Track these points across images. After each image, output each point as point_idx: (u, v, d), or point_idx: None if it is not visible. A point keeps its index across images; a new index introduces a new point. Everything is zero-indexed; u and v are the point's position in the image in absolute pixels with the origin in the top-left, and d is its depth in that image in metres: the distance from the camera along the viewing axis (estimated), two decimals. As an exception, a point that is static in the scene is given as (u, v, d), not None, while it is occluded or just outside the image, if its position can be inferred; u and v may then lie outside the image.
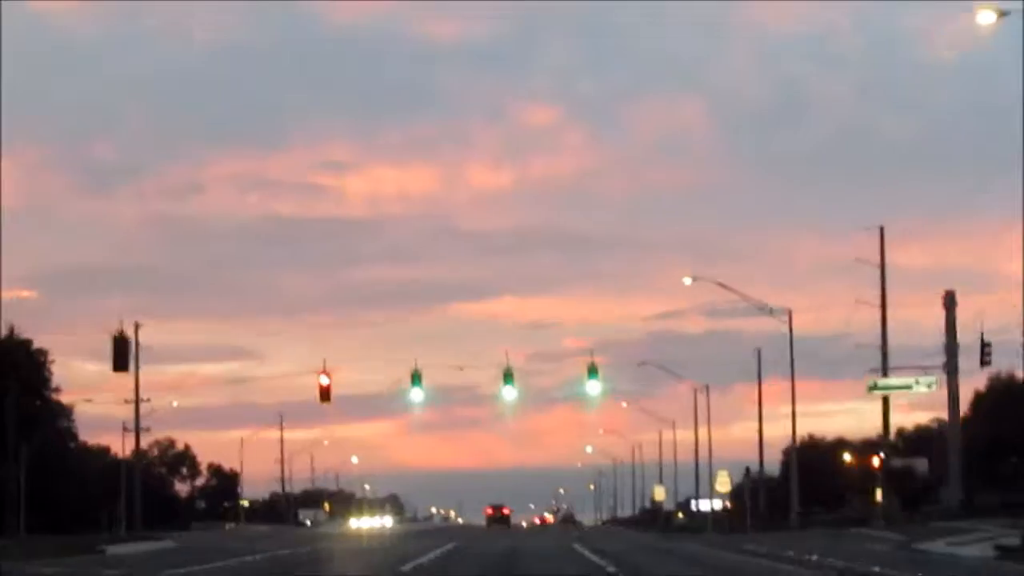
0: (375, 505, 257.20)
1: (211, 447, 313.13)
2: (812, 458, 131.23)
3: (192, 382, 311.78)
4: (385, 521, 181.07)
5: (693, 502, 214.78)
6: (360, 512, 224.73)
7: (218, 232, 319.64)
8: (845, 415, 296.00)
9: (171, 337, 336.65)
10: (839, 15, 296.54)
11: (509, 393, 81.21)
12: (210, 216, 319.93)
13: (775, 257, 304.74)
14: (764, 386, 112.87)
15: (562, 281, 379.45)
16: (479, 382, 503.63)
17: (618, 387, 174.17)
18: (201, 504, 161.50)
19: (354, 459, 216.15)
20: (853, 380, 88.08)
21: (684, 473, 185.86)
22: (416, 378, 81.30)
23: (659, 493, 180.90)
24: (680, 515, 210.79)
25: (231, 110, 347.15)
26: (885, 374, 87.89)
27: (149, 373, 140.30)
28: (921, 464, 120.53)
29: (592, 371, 79.69)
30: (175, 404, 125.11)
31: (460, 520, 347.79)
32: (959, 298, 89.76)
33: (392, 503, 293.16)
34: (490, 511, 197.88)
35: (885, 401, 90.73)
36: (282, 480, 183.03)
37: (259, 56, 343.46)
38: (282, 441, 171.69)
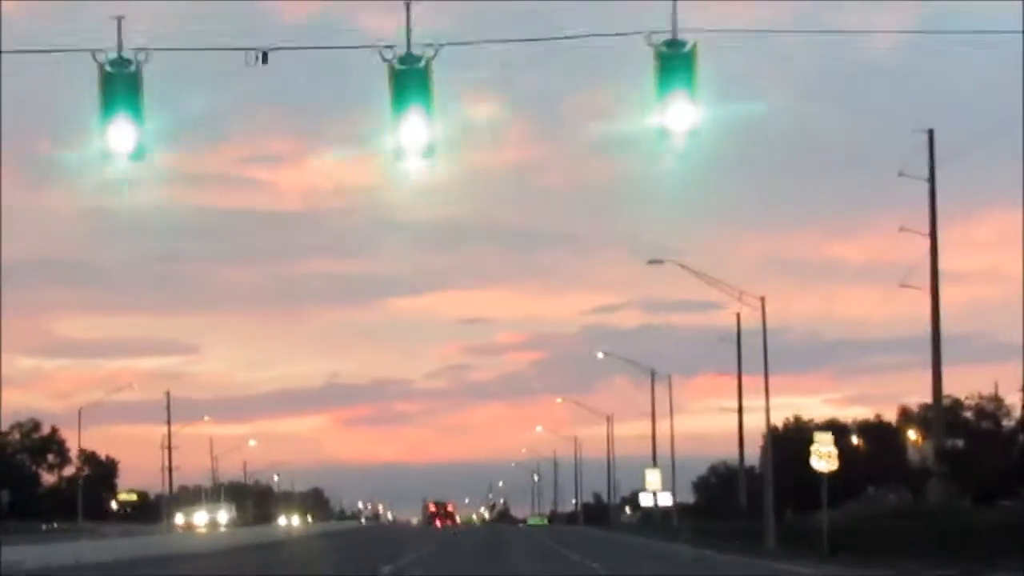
0: (292, 501, 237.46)
1: (140, 442, 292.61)
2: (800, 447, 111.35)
3: (126, 377, 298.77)
4: (219, 516, 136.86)
5: (644, 496, 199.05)
6: (286, 511, 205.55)
7: (152, 225, 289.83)
8: (786, 410, 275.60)
9: (105, 332, 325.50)
10: (781, 14, 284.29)
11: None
12: (144, 210, 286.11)
13: (717, 253, 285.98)
14: (704, 379, 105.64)
15: (500, 275, 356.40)
16: (414, 376, 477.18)
17: (552, 381, 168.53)
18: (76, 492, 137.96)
19: (252, 442, 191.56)
20: (792, 373, 79.01)
21: (632, 467, 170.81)
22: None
23: (652, 478, 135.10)
24: (627, 510, 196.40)
25: (164, 102, 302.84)
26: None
27: (84, 367, 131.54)
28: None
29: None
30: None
31: (390, 516, 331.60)
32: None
33: (315, 499, 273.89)
34: (432, 508, 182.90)
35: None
36: (164, 472, 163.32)
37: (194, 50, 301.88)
38: (169, 429, 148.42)
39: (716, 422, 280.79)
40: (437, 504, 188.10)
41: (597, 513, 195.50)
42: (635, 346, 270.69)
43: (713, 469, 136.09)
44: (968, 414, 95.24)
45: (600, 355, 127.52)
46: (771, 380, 79.66)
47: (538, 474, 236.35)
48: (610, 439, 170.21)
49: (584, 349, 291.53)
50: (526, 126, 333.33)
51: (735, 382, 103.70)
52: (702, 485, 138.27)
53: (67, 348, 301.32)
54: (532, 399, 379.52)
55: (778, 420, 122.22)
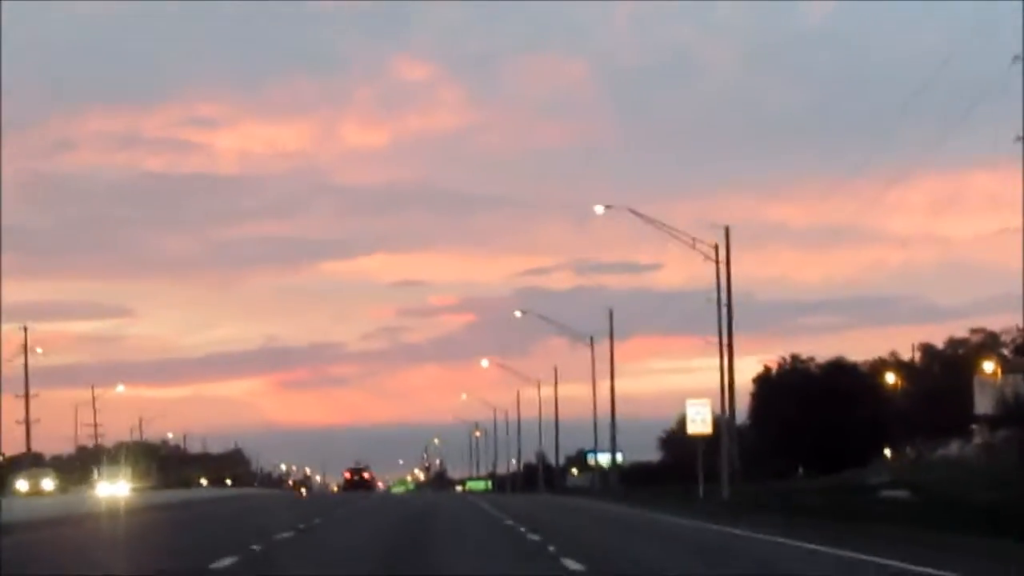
0: (210, 464, 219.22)
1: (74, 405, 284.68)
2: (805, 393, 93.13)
3: (63, 340, 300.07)
4: (43, 484, 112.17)
5: (592, 456, 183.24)
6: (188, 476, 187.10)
7: (90, 190, 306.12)
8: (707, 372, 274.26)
9: (42, 296, 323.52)
10: None
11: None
12: (82, 174, 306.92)
13: (654, 216, 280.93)
14: (638, 342, 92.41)
15: (434, 238, 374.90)
16: (349, 339, 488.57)
17: (486, 344, 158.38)
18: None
19: (120, 388, 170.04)
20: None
21: (571, 429, 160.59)
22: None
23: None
24: (575, 472, 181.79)
25: (103, 67, 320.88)
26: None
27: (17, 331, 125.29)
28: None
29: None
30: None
31: (318, 480, 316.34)
32: None
33: (234, 461, 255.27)
34: (348, 475, 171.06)
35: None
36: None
37: (133, 12, 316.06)
38: (27, 389, 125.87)
39: (655, 383, 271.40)
40: (352, 471, 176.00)
41: (544, 475, 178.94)
42: (568, 308, 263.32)
43: (682, 422, 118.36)
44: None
45: (518, 314, 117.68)
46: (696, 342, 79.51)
47: (480, 431, 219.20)
48: (556, 396, 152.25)
49: (514, 310, 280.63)
50: (462, 89, 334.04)
51: (673, 345, 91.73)
52: (670, 441, 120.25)
53: (4, 313, 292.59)
54: (467, 362, 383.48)
55: (767, 362, 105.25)
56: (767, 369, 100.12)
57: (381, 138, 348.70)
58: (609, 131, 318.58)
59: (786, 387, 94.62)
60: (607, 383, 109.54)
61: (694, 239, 73.80)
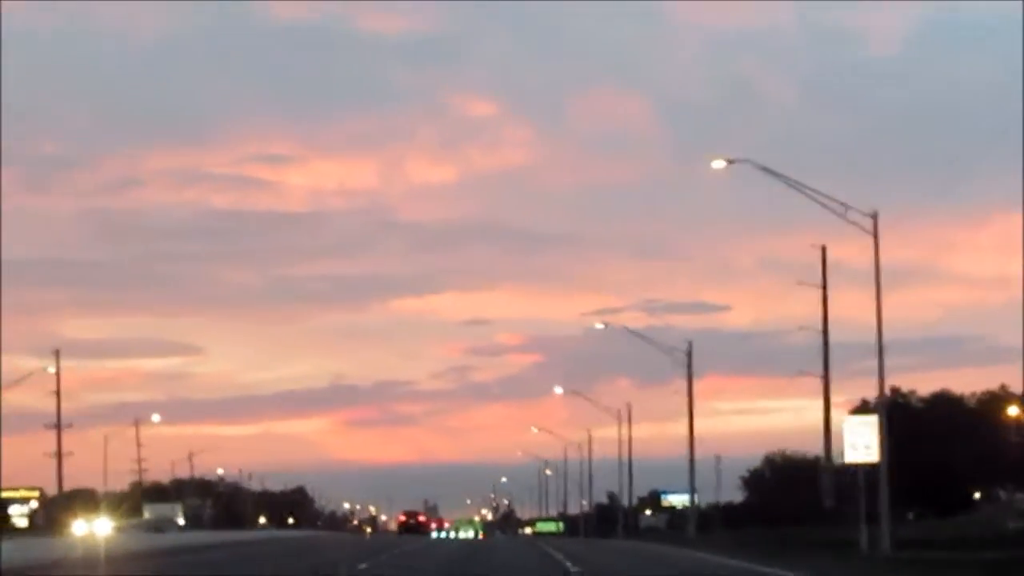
0: (271, 503, 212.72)
1: (150, 444, 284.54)
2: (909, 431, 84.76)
3: (132, 377, 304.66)
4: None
5: (668, 496, 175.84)
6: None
7: (156, 226, 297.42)
8: (784, 412, 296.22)
9: (108, 333, 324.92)
10: (784, 13, 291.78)
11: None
12: (149, 210, 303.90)
13: (718, 255, 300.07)
14: (710, 380, 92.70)
15: (501, 276, 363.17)
16: (417, 377, 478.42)
17: (554, 383, 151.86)
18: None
19: (155, 418, 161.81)
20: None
21: (642, 468, 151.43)
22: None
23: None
24: (648, 511, 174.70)
25: (169, 103, 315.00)
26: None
27: (87, 369, 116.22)
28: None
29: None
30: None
31: (383, 519, 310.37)
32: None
33: (295, 498, 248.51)
34: (402, 518, 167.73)
35: None
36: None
37: (199, 50, 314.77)
38: (59, 430, 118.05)
39: (726, 423, 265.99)
40: (407, 513, 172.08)
41: (611, 515, 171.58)
42: (637, 348, 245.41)
43: (769, 461, 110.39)
44: None
45: (599, 325, 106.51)
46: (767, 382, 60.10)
47: (549, 469, 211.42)
48: (628, 433, 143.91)
49: (585, 350, 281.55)
50: (527, 125, 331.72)
51: (740, 385, 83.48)
52: (754, 481, 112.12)
53: (70, 349, 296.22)
54: (534, 400, 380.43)
55: (852, 399, 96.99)
56: (864, 403, 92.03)
57: (447, 175, 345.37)
58: (673, 166, 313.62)
59: (887, 422, 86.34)
60: (682, 421, 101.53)
61: (845, 205, 57.51)
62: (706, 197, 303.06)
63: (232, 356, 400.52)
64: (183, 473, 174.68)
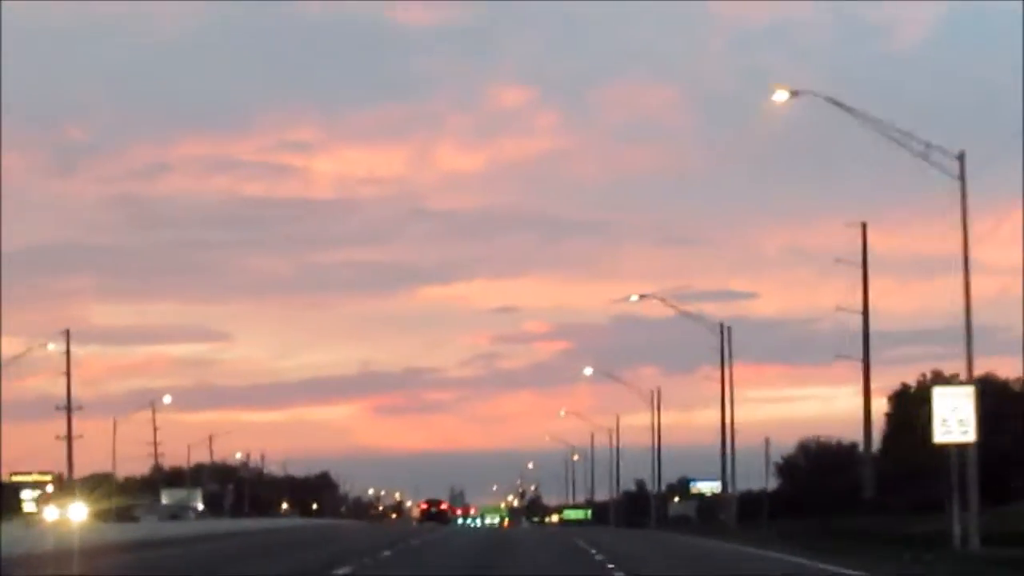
0: (294, 489, 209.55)
1: (177, 430, 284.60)
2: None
3: (160, 364, 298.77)
4: None
5: (698, 484, 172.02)
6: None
7: (183, 213, 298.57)
8: (814, 400, 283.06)
9: (136, 319, 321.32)
10: (809, 7, 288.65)
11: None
12: (177, 197, 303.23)
13: (744, 243, 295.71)
14: (737, 369, 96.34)
15: (529, 264, 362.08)
16: (445, 365, 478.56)
17: (582, 372, 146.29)
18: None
19: (166, 399, 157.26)
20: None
21: (672, 455, 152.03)
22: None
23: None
24: (676, 499, 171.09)
25: (199, 90, 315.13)
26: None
27: (114, 355, 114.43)
28: None
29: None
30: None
31: (408, 505, 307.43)
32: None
33: (319, 484, 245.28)
34: (423, 506, 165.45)
35: None
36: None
37: (229, 37, 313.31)
38: (69, 415, 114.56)
39: (754, 411, 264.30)
40: (428, 502, 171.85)
41: (640, 502, 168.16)
42: (663, 336, 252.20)
43: (803, 448, 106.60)
44: None
45: (634, 298, 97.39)
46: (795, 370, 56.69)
47: (576, 455, 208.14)
48: (657, 420, 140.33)
49: (613, 338, 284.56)
50: (556, 114, 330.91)
51: (772, 373, 78.81)
52: (787, 469, 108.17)
53: (96, 336, 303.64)
54: (562, 388, 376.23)
55: (884, 387, 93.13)
56: (905, 387, 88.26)
57: (476, 162, 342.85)
58: (701, 156, 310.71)
59: (929, 406, 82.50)
60: (710, 408, 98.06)
61: (928, 144, 51.13)
62: (734, 185, 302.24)
63: (259, 343, 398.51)
64: (202, 458, 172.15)
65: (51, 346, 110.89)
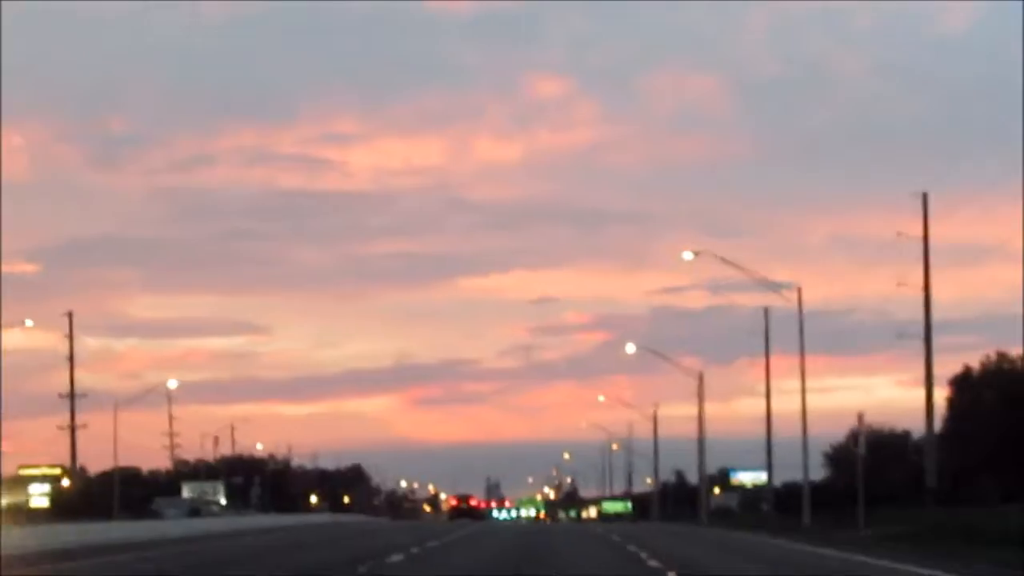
0: (311, 480, 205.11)
1: (216, 421, 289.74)
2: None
3: (199, 356, 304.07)
4: None
5: (738, 475, 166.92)
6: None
7: (224, 205, 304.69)
8: (853, 391, 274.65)
9: (177, 311, 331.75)
10: None
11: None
12: (217, 189, 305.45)
13: (786, 233, 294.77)
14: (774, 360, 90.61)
15: (568, 255, 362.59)
16: (484, 356, 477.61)
17: (620, 361, 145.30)
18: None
19: (172, 383, 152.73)
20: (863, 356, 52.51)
21: (710, 447, 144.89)
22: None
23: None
24: (717, 490, 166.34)
25: (239, 82, 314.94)
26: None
27: (154, 347, 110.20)
28: None
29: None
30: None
31: (443, 497, 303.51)
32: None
33: (352, 477, 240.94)
34: (454, 502, 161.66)
35: None
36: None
37: (269, 29, 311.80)
38: (72, 409, 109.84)
39: (796, 402, 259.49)
40: (459, 497, 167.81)
41: (688, 496, 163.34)
42: (702, 328, 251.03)
43: (854, 436, 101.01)
44: None
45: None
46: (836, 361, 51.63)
47: (616, 444, 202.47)
48: (700, 407, 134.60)
49: (652, 330, 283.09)
50: (596, 103, 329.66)
51: (813, 364, 72.55)
52: (836, 458, 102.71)
53: (137, 328, 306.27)
54: (600, 379, 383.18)
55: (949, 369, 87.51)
56: (967, 369, 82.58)
57: (515, 153, 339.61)
58: (743, 144, 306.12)
59: (994, 390, 77.14)
60: (748, 399, 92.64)
61: None
62: (775, 175, 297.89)
63: (298, 335, 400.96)
64: (223, 451, 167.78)
65: (28, 322, 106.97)
